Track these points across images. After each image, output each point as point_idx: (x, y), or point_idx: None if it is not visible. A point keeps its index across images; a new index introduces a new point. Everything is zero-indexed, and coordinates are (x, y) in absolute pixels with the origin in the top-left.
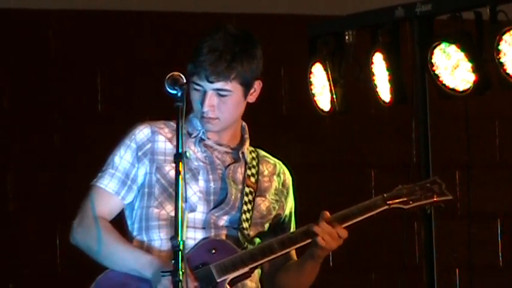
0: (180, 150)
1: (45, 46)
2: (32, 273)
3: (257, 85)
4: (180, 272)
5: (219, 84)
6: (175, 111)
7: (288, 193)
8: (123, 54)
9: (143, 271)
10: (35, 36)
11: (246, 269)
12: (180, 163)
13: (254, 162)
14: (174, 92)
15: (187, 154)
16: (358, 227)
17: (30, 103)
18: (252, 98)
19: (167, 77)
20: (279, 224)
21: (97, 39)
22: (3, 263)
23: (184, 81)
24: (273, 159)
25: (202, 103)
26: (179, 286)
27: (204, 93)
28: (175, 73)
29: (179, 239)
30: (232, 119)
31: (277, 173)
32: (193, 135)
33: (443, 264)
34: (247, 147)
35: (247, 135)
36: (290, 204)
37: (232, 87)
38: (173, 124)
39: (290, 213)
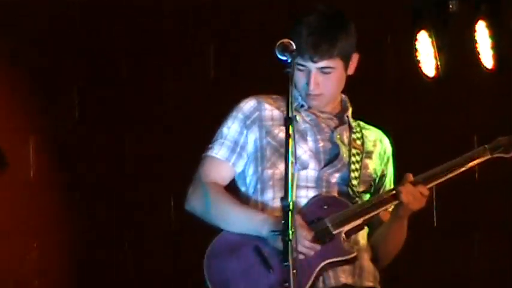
0: (290, 114)
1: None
2: (147, 233)
3: (354, 58)
4: (290, 232)
5: (322, 63)
6: (285, 78)
7: (388, 161)
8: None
9: (259, 230)
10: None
11: (360, 221)
12: (290, 126)
13: (358, 129)
14: (284, 58)
15: (297, 118)
16: (464, 189)
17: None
18: (350, 70)
19: (277, 44)
20: (379, 189)
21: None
22: (120, 224)
23: (294, 47)
24: (374, 129)
25: (308, 82)
26: (289, 246)
27: (309, 72)
28: (285, 40)
29: (289, 200)
30: (335, 93)
31: (380, 140)
32: (295, 105)
33: None
34: (350, 114)
35: (349, 104)
36: (390, 173)
37: (335, 63)
38: (275, 96)
39: (390, 179)
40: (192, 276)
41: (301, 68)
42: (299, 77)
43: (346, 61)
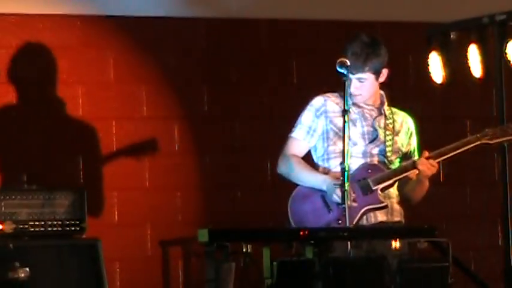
0: (346, 107)
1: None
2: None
3: (384, 71)
4: (346, 184)
5: (357, 75)
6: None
7: (412, 135)
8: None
9: (320, 185)
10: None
11: (391, 181)
12: (347, 115)
13: (390, 116)
14: (342, 71)
15: (350, 109)
16: (459, 158)
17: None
18: (381, 80)
19: (338, 61)
20: (407, 155)
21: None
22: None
23: (349, 63)
24: (402, 113)
25: (349, 86)
26: (345, 193)
27: (351, 80)
28: (343, 59)
29: (345, 163)
30: (369, 94)
31: (405, 121)
32: (349, 102)
33: None
34: (386, 106)
35: (385, 99)
36: (414, 142)
37: (366, 76)
38: (336, 94)
39: (414, 147)
40: (283, 214)
41: (348, 77)
42: (349, 83)
43: (376, 74)
